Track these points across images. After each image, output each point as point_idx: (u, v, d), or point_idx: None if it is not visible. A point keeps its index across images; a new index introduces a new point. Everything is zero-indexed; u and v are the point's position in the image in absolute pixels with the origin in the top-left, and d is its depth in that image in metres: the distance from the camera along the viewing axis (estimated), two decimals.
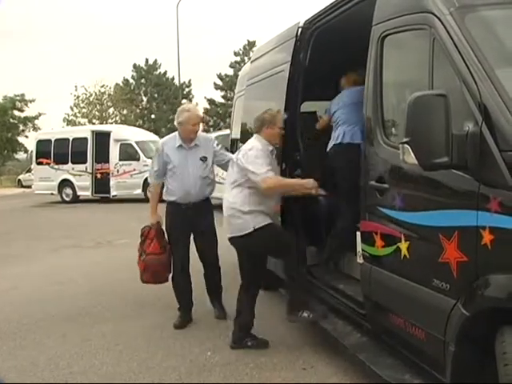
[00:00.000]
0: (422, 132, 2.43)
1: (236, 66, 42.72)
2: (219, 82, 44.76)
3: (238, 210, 4.09)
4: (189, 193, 4.89)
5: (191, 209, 4.90)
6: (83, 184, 19.88)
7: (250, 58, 6.64)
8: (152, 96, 45.18)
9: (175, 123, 4.98)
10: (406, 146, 2.49)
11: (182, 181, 4.88)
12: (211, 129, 42.16)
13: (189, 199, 4.90)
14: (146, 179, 18.63)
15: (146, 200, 18.39)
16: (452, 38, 2.63)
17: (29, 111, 36.85)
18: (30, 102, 36.66)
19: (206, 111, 44.79)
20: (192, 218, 4.92)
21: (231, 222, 4.16)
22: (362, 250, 3.48)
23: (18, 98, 36.07)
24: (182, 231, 4.98)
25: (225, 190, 4.31)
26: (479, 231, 2.38)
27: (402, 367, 3.13)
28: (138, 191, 18.89)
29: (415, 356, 3.02)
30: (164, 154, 4.91)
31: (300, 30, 4.74)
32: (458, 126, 2.45)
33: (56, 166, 20.51)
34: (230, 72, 44.02)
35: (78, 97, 39.89)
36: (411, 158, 2.48)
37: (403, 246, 2.95)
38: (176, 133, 4.99)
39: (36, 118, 36.98)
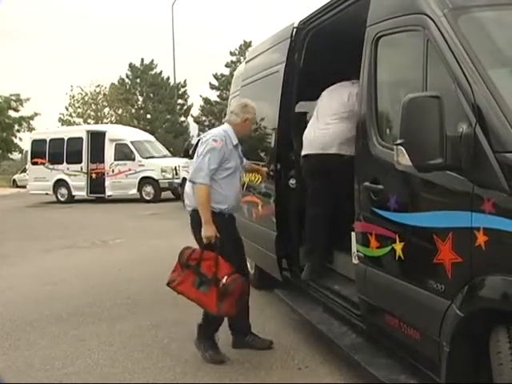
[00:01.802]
0: (416, 133, 2.43)
1: (232, 66, 42.62)
2: (215, 82, 44.70)
3: None
4: (239, 201, 4.42)
5: (232, 219, 4.28)
6: (78, 184, 19.85)
7: (245, 58, 6.60)
8: (148, 96, 45.04)
9: (235, 118, 4.21)
10: (400, 147, 2.49)
11: (237, 186, 4.24)
12: (206, 128, 42.16)
13: (235, 209, 4.31)
14: (142, 179, 18.74)
15: (141, 200, 18.48)
16: (446, 40, 2.64)
17: (24, 111, 36.76)
18: (25, 101, 36.54)
19: (202, 110, 44.77)
20: (235, 230, 4.33)
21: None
22: (357, 251, 3.49)
23: (13, 97, 35.93)
24: (233, 245, 4.22)
25: None
26: (473, 232, 2.39)
27: (397, 368, 3.13)
28: (133, 191, 18.92)
29: (410, 356, 3.02)
30: (229, 150, 4.08)
31: (295, 30, 4.74)
32: (452, 127, 2.45)
33: (51, 166, 20.48)
34: (226, 72, 43.97)
35: (73, 97, 39.75)
36: (405, 160, 2.49)
37: (398, 246, 2.95)
38: (227, 128, 4.21)
39: (31, 118, 36.86)
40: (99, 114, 39.97)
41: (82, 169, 19.84)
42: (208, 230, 3.91)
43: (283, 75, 4.70)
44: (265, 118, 5.11)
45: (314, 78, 4.66)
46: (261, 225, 5.24)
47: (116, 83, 43.00)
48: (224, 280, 3.83)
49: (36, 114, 36.73)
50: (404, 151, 2.47)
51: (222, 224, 4.03)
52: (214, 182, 3.99)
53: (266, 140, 5.35)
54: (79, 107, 39.87)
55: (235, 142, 4.15)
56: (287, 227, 4.80)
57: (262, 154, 5.47)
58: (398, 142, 2.50)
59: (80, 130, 21.46)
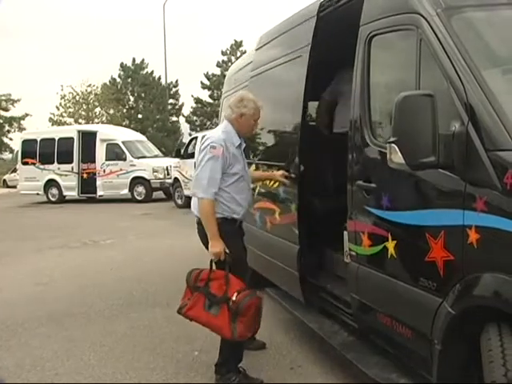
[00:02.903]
0: (409, 132, 2.44)
1: (223, 66, 42.65)
2: (206, 82, 44.67)
3: None
4: (250, 206, 4.10)
5: (241, 227, 3.94)
6: (69, 184, 19.77)
7: (237, 58, 6.53)
8: (139, 96, 44.96)
9: (230, 114, 3.78)
10: (393, 145, 2.50)
11: (245, 189, 3.83)
12: (198, 128, 42.10)
13: (245, 215, 3.94)
14: (133, 179, 18.68)
15: (132, 200, 18.43)
16: (439, 39, 2.65)
17: (14, 111, 36.63)
18: (16, 101, 36.41)
19: (194, 110, 44.72)
20: (242, 238, 3.99)
21: None
22: (349, 250, 3.49)
23: (3, 97, 35.78)
24: (244, 255, 3.93)
25: None
26: (465, 230, 2.40)
27: (389, 366, 3.14)
28: (125, 191, 18.86)
29: (402, 355, 3.03)
30: (230, 154, 3.66)
31: (322, 6, 4.07)
32: (445, 125, 2.47)
33: (42, 166, 20.37)
34: (217, 71, 43.95)
35: (64, 96, 39.57)
36: (398, 158, 2.50)
37: (390, 245, 2.96)
38: (227, 127, 3.79)
39: (22, 118, 36.74)
40: (90, 113, 39.82)
41: (72, 169, 19.75)
42: (216, 246, 3.55)
43: (308, 60, 4.08)
44: (282, 111, 4.55)
45: (343, 60, 4.01)
46: (278, 236, 4.56)
47: (107, 83, 42.87)
48: (234, 297, 3.45)
49: (27, 115, 36.64)
50: (397, 149, 2.48)
51: (234, 232, 3.74)
52: (221, 191, 3.63)
53: (285, 137, 4.70)
54: (70, 107, 39.69)
55: (237, 142, 3.74)
56: (312, 240, 4.26)
57: (280, 154, 4.69)
58: (391, 140, 2.51)
59: (71, 130, 21.36)
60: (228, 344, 3.63)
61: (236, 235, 3.79)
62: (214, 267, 3.63)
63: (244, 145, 3.87)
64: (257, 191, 4.80)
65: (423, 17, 2.76)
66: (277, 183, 4.41)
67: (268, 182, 4.60)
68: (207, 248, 3.66)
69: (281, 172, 4.25)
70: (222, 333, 3.55)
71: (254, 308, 3.51)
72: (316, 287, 4.23)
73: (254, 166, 4.85)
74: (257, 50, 5.45)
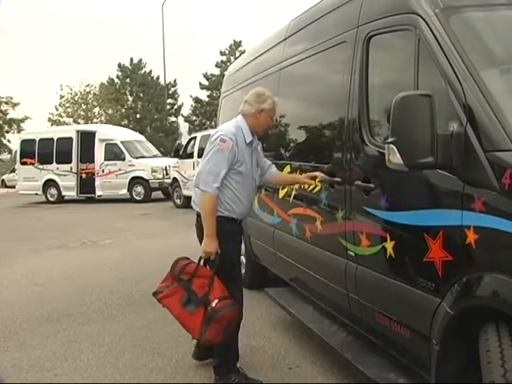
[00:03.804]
0: (408, 132, 2.44)
1: (222, 66, 42.69)
2: (205, 82, 44.68)
3: None
4: (252, 205, 4.01)
5: (240, 226, 3.81)
6: (68, 184, 19.76)
7: (236, 58, 6.52)
8: (137, 95, 44.98)
9: (249, 109, 3.64)
10: (392, 145, 2.50)
11: (250, 189, 3.72)
12: (197, 128, 42.11)
13: (247, 215, 3.89)
14: (132, 179, 18.68)
15: (131, 200, 18.43)
16: (437, 39, 2.65)
17: (14, 113, 36.71)
18: (16, 105, 36.51)
19: (193, 110, 44.71)
20: (241, 237, 3.94)
21: None
22: (348, 250, 3.49)
23: (3, 99, 35.87)
24: (237, 260, 3.88)
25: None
26: (464, 231, 2.40)
27: (388, 366, 3.14)
28: (124, 191, 18.86)
29: (401, 355, 3.03)
30: (239, 150, 3.55)
31: None
32: (443, 126, 2.47)
33: (40, 166, 20.38)
34: (216, 71, 43.97)
35: (62, 96, 39.55)
36: (396, 158, 2.49)
37: (389, 245, 2.96)
38: (241, 122, 3.65)
39: (22, 121, 36.81)
40: (89, 113, 39.82)
41: (71, 169, 19.75)
42: (209, 246, 3.47)
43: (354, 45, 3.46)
44: (325, 106, 4.08)
45: None
46: (322, 247, 3.93)
47: (105, 83, 42.88)
48: (214, 303, 3.38)
49: (26, 118, 36.72)
50: (395, 150, 2.48)
51: (233, 233, 3.65)
52: (225, 187, 3.53)
53: (327, 133, 4.11)
54: (69, 107, 39.68)
55: (249, 138, 3.60)
56: None
57: (319, 153, 4.13)
58: (389, 140, 2.51)
59: (70, 130, 21.35)
60: (221, 345, 3.58)
61: (234, 236, 3.72)
62: (201, 264, 3.56)
63: (257, 143, 3.77)
64: (292, 197, 4.42)
65: (421, 17, 2.76)
66: (319, 185, 3.88)
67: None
68: (200, 240, 3.64)
69: (317, 174, 3.76)
70: (190, 332, 3.49)
71: (228, 320, 3.43)
72: None
73: (288, 168, 4.54)
74: (286, 39, 4.94)
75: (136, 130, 27.97)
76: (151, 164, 18.90)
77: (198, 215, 3.72)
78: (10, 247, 10.01)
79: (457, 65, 2.53)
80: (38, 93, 56.68)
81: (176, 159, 16.44)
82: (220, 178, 3.46)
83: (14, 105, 36.60)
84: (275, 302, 4.85)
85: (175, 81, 44.83)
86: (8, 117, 36.61)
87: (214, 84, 43.04)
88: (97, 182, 19.25)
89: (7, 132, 37.33)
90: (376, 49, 3.28)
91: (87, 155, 19.46)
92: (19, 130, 35.09)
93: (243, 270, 5.66)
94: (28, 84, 63.87)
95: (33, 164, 20.59)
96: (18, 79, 64.55)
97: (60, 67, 64.55)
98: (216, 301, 3.40)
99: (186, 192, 15.18)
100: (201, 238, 3.64)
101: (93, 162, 19.39)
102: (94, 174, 19.37)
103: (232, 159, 3.50)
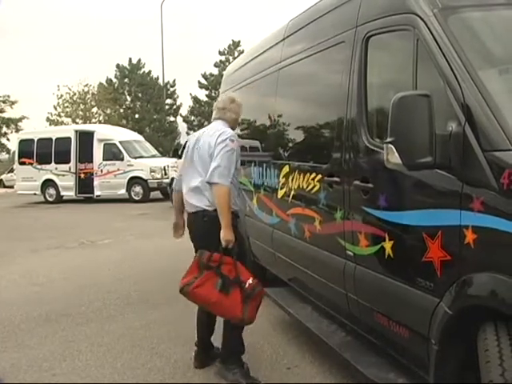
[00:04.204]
0: (406, 132, 2.44)
1: (221, 66, 42.68)
2: (204, 82, 44.68)
3: None
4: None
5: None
6: (67, 184, 19.75)
7: (234, 58, 6.51)
8: (136, 96, 44.94)
9: (231, 115, 4.03)
10: (390, 145, 2.50)
11: (237, 185, 4.08)
12: (196, 128, 42.10)
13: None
14: (130, 179, 18.68)
15: (129, 200, 18.42)
16: (435, 39, 2.65)
17: (12, 112, 36.63)
18: (13, 103, 36.43)
19: (192, 110, 44.70)
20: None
21: None
22: (347, 250, 3.49)
23: (0, 98, 35.81)
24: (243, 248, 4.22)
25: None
26: (462, 230, 2.40)
27: (387, 366, 3.14)
28: (122, 191, 18.86)
29: (399, 355, 3.04)
30: (238, 149, 3.91)
31: None
32: (442, 126, 2.47)
33: (39, 166, 20.36)
34: (215, 71, 43.97)
35: (61, 96, 39.50)
36: (395, 158, 2.49)
37: (387, 245, 2.96)
38: (225, 126, 3.96)
39: (19, 120, 36.73)
40: (88, 113, 39.76)
41: (70, 169, 19.74)
42: (230, 235, 3.67)
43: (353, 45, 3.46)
44: (325, 105, 4.05)
45: None
46: (321, 247, 3.93)
47: (104, 83, 42.84)
48: (249, 282, 3.60)
49: (24, 117, 36.67)
50: (394, 150, 2.48)
51: (236, 225, 3.88)
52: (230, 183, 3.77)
53: (325, 133, 4.10)
54: (67, 107, 39.62)
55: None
56: None
57: (317, 153, 4.12)
58: (388, 140, 2.51)
59: (68, 130, 21.32)
60: (233, 333, 3.79)
61: (237, 227, 3.91)
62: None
63: None
64: (290, 197, 4.43)
65: (420, 17, 2.76)
66: (317, 185, 3.91)
67: (305, 185, 4.11)
68: (196, 239, 3.86)
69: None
70: (232, 312, 3.58)
71: (261, 298, 3.71)
72: None
73: (287, 167, 4.54)
74: (284, 39, 4.94)
75: (135, 130, 27.94)
76: (150, 164, 18.90)
77: (196, 213, 3.85)
78: (8, 247, 9.99)
79: (455, 65, 2.53)
80: (38, 93, 56.69)
81: (175, 159, 16.43)
82: (231, 174, 3.73)
83: (12, 103, 36.56)
84: (274, 302, 4.85)
85: (174, 81, 44.84)
86: (6, 116, 36.55)
87: (212, 84, 43.03)
88: (95, 182, 19.24)
89: (5, 134, 37.34)
90: (374, 49, 3.28)
91: (86, 155, 19.44)
92: (17, 130, 35.06)
93: None
94: (27, 84, 63.77)
95: (31, 164, 20.57)
96: (17, 79, 64.48)
97: (59, 67, 64.47)
98: (250, 280, 3.64)
99: None
100: (197, 235, 3.86)
101: (91, 161, 19.38)
102: (92, 174, 19.36)
103: (237, 157, 3.82)
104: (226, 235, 3.66)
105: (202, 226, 3.80)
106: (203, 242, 3.78)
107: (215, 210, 3.72)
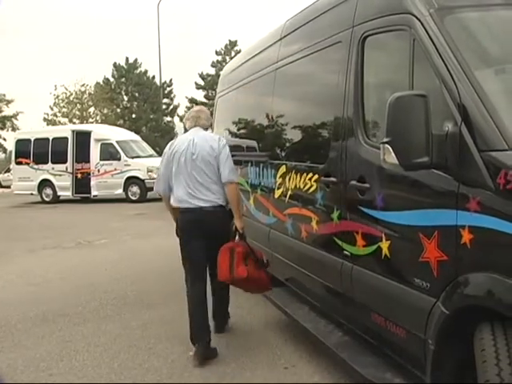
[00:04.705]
0: (403, 132, 2.45)
1: (217, 66, 42.63)
2: (201, 82, 44.63)
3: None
4: None
5: None
6: (63, 184, 19.69)
7: (231, 58, 6.50)
8: (133, 95, 44.86)
9: (205, 124, 4.62)
10: (387, 145, 2.50)
11: None
12: None
13: None
14: (127, 179, 18.65)
15: (126, 200, 18.40)
16: (432, 39, 2.66)
17: (9, 111, 36.56)
18: (9, 102, 36.34)
19: (188, 110, 44.63)
20: None
21: None
22: (343, 249, 3.49)
23: None
24: None
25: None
26: (459, 230, 2.40)
27: (384, 366, 3.14)
28: (119, 191, 18.82)
29: (396, 354, 3.04)
30: None
31: None
32: (438, 126, 2.48)
33: (36, 166, 20.30)
34: (212, 71, 43.93)
35: (57, 96, 39.40)
36: (392, 158, 2.50)
37: (384, 245, 2.97)
38: (207, 130, 4.72)
39: (14, 116, 36.62)
40: (84, 113, 39.68)
41: (67, 169, 19.69)
42: (242, 223, 4.44)
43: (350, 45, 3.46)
44: (321, 105, 4.06)
45: None
46: (318, 247, 3.95)
47: (100, 82, 42.76)
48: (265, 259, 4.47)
49: (18, 113, 36.53)
50: (390, 150, 2.48)
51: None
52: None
53: (322, 133, 4.08)
54: (64, 107, 39.54)
55: None
56: None
57: (314, 153, 4.13)
58: (385, 140, 2.51)
59: (65, 130, 21.28)
60: (224, 301, 4.68)
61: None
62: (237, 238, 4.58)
63: None
64: (287, 197, 4.44)
65: (416, 17, 2.76)
66: (314, 186, 3.88)
67: (302, 185, 4.09)
68: (211, 231, 4.26)
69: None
70: (267, 284, 4.48)
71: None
72: None
73: (284, 167, 4.55)
74: (281, 39, 4.90)
75: (131, 130, 27.86)
76: (147, 164, 18.86)
77: (188, 210, 4.28)
78: (4, 247, 9.96)
79: (451, 65, 2.54)
80: (37, 92, 56.56)
81: None
82: None
83: (8, 102, 36.46)
84: (271, 302, 4.85)
85: (171, 80, 44.74)
86: (1, 115, 36.47)
87: (209, 84, 42.97)
88: (92, 182, 19.19)
89: (1, 129, 37.13)
90: (371, 49, 3.28)
91: (83, 155, 19.40)
92: (13, 128, 34.99)
93: None
94: (27, 84, 63.58)
95: (28, 164, 20.51)
96: (17, 79, 64.25)
97: (58, 67, 64.29)
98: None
99: None
100: (187, 230, 4.32)
101: (88, 161, 19.33)
102: (89, 174, 19.31)
103: None
104: (241, 223, 4.40)
105: (220, 219, 4.35)
106: (219, 233, 4.33)
107: (223, 205, 4.34)
